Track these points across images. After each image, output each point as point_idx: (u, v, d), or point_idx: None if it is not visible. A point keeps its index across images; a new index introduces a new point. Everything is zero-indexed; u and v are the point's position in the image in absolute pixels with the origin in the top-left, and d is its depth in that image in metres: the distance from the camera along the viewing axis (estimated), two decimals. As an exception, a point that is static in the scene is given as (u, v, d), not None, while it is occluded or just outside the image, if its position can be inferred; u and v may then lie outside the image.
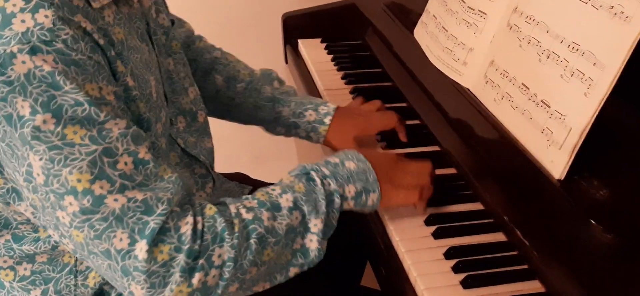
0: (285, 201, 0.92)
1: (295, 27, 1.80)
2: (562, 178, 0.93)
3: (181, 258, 0.83)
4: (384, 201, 1.02)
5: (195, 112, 1.11)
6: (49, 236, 0.94)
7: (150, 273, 0.82)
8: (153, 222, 0.82)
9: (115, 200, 0.80)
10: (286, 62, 1.83)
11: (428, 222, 1.07)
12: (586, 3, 0.93)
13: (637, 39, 0.84)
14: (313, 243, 0.94)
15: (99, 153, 0.80)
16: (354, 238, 1.20)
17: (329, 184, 0.96)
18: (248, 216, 0.89)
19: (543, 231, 0.96)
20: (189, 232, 0.84)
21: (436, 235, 1.04)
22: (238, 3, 2.04)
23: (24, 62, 0.76)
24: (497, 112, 1.10)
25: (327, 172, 0.97)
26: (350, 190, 0.97)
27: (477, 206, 1.11)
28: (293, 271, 0.95)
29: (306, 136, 1.28)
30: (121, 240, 0.81)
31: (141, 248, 0.81)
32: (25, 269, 0.96)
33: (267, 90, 1.28)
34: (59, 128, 0.78)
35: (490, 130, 1.10)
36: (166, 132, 1.00)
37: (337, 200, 0.96)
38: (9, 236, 0.94)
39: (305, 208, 0.93)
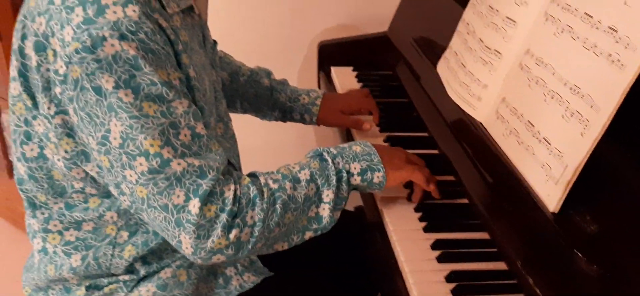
0: (304, 175, 1.08)
1: (330, 55, 1.89)
2: (557, 211, 0.99)
3: (224, 217, 0.98)
4: (389, 180, 1.16)
5: (226, 122, 1.22)
6: (98, 206, 1.07)
7: (198, 226, 0.97)
8: (205, 185, 0.97)
9: (178, 164, 0.96)
10: (319, 87, 1.91)
11: (434, 247, 1.13)
12: (588, 50, 0.99)
13: (630, 85, 0.90)
14: (325, 211, 1.09)
15: (167, 125, 0.95)
16: (363, 263, 1.32)
17: (338, 162, 1.12)
18: (274, 186, 1.05)
19: (539, 261, 1.01)
20: (231, 196, 0.99)
21: (440, 259, 1.10)
22: (279, 30, 2.14)
23: (113, 45, 0.90)
24: (505, 146, 1.16)
25: (335, 152, 1.14)
26: (356, 167, 1.13)
27: (484, 235, 1.16)
28: (308, 235, 1.11)
29: (300, 118, 1.52)
30: (178, 196, 0.96)
31: (194, 205, 0.96)
32: (71, 235, 1.10)
33: (265, 81, 1.50)
34: (137, 102, 0.93)
35: (499, 163, 1.16)
36: (214, 130, 1.13)
37: (345, 175, 1.12)
38: (62, 204, 1.08)
39: (319, 181, 1.09)
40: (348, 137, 1.54)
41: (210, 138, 1.01)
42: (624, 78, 0.90)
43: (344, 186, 1.11)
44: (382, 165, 1.14)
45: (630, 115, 0.92)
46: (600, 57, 0.96)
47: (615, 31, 0.94)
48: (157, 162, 0.95)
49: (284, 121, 1.54)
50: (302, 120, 1.52)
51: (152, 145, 0.94)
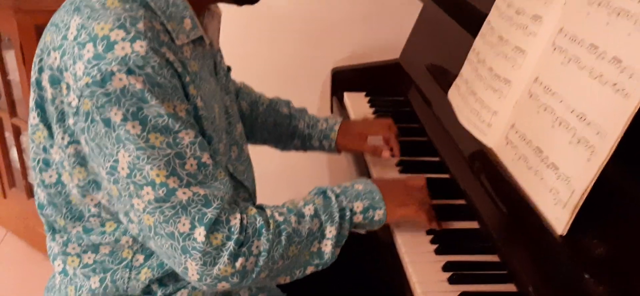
0: (308, 210, 1.12)
1: (343, 81, 1.94)
2: (565, 234, 1.02)
3: (231, 245, 1.01)
4: (389, 216, 1.20)
5: (241, 145, 1.26)
6: (114, 230, 1.11)
7: (204, 253, 1.00)
8: (210, 213, 1.00)
9: (184, 193, 0.99)
10: (332, 111, 1.96)
11: (445, 269, 1.16)
12: (595, 79, 1.03)
13: (634, 113, 0.93)
14: (328, 247, 1.13)
15: (172, 155, 0.98)
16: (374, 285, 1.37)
17: (342, 201, 1.16)
18: (280, 218, 1.08)
19: (548, 283, 1.04)
20: (238, 225, 1.02)
21: (451, 281, 1.13)
22: (293, 56, 2.18)
23: (121, 79, 0.94)
24: (514, 171, 1.19)
25: (339, 191, 1.18)
26: (359, 205, 1.17)
27: (494, 258, 1.19)
28: (309, 270, 1.14)
29: (319, 145, 1.55)
30: (184, 225, 1.00)
31: (199, 233, 1.00)
32: (89, 257, 1.13)
33: (284, 110, 1.55)
34: (144, 133, 0.96)
35: (508, 187, 1.19)
36: (225, 155, 1.16)
37: (348, 214, 1.15)
38: (80, 228, 1.12)
39: (323, 217, 1.13)
40: (364, 165, 1.57)
41: (216, 167, 1.04)
42: (628, 106, 0.94)
43: (347, 224, 1.15)
44: (383, 203, 1.18)
45: (636, 140, 0.95)
46: (606, 86, 1.00)
47: (620, 61, 0.98)
48: (163, 191, 0.98)
49: (305, 150, 1.57)
50: (322, 147, 1.55)
51: (158, 175, 0.97)
